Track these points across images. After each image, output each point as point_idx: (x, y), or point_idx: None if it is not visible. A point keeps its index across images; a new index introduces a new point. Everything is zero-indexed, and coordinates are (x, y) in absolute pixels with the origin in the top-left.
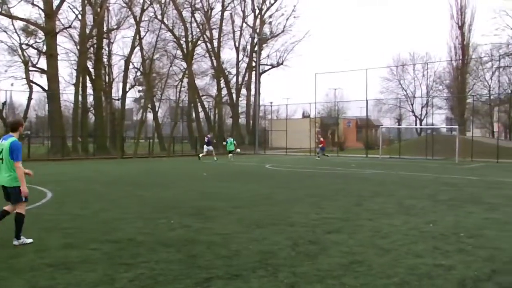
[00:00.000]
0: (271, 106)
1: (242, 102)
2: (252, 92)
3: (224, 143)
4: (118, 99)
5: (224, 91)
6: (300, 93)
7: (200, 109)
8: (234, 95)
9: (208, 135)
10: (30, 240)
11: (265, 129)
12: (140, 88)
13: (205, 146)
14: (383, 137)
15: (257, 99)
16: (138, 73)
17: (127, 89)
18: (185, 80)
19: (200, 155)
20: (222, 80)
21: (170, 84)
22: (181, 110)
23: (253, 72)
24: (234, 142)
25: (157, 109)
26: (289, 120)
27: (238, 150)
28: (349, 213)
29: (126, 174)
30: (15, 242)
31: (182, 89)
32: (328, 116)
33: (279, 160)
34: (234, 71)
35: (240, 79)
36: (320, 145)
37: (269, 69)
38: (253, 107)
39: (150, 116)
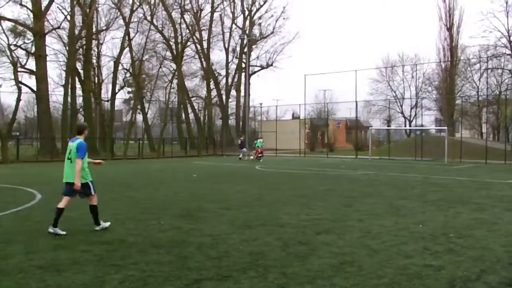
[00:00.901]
0: (261, 107)
1: (232, 104)
2: (242, 93)
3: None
4: (107, 101)
5: (214, 93)
6: (289, 95)
7: (189, 110)
8: (223, 96)
9: (241, 138)
10: (108, 224)
11: (255, 130)
12: (129, 89)
13: (239, 149)
14: (373, 138)
15: (247, 100)
16: (128, 74)
17: (117, 91)
18: (175, 81)
19: (250, 158)
20: (212, 82)
21: (159, 86)
22: (170, 111)
23: (243, 73)
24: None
25: (146, 110)
26: (279, 121)
27: (252, 157)
28: (339, 214)
29: (116, 175)
30: (96, 228)
31: (172, 90)
32: (317, 117)
33: (269, 161)
34: (223, 72)
35: (229, 80)
36: (260, 154)
37: (259, 70)
38: (243, 108)
39: (139, 117)
